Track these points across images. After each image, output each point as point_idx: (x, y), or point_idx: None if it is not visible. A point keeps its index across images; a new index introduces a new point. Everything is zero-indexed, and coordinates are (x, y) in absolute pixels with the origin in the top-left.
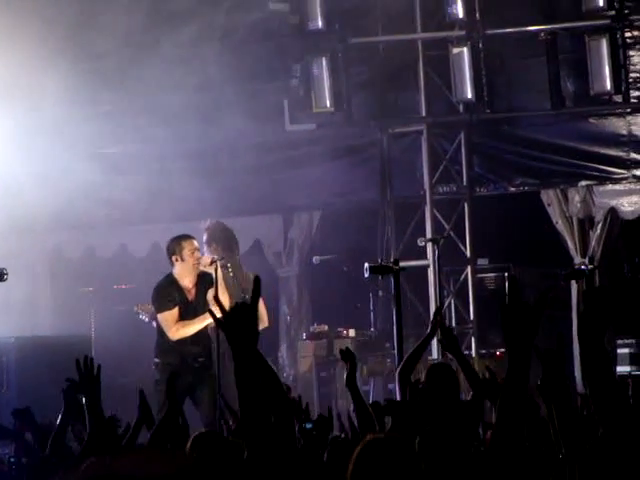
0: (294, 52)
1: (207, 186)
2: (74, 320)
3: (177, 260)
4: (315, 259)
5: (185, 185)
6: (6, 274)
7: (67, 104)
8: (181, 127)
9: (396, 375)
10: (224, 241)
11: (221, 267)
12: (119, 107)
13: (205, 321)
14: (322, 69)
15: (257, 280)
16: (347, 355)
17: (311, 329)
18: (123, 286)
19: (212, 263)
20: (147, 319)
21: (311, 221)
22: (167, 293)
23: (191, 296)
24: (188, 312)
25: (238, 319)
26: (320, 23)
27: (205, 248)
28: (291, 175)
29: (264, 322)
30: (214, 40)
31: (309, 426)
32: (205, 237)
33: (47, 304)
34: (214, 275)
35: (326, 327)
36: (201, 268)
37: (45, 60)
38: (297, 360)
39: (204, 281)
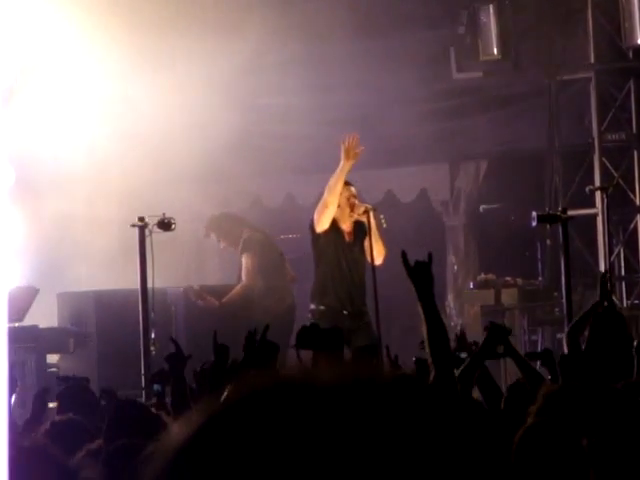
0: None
1: (373, 136)
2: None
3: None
4: (482, 208)
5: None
6: (174, 223)
7: (227, 55)
8: (346, 76)
9: (564, 337)
10: (221, 229)
11: (374, 217)
12: (282, 58)
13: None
14: (489, 16)
15: (403, 255)
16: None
17: (478, 278)
18: (290, 235)
19: (365, 212)
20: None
21: (478, 170)
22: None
23: (349, 239)
24: (345, 254)
25: (421, 271)
26: None
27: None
28: (458, 123)
29: (381, 255)
30: None
31: (463, 355)
32: (213, 237)
33: (214, 253)
34: (367, 224)
35: (494, 276)
36: (355, 216)
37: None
38: (464, 309)
39: (362, 229)
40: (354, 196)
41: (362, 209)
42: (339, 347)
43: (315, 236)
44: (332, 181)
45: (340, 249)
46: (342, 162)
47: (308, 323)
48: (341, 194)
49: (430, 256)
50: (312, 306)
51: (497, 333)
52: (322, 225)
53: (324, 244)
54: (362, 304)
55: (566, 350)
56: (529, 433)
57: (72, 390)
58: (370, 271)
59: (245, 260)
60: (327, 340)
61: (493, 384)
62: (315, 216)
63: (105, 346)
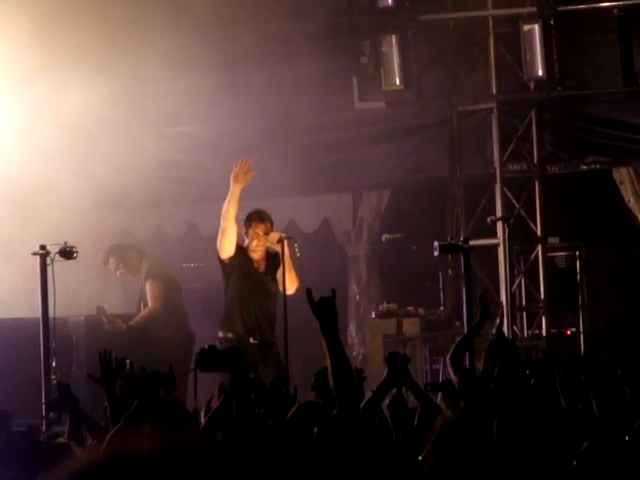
0: (364, 30)
1: (277, 165)
2: None
3: (245, 235)
4: (384, 238)
5: (253, 163)
6: (76, 252)
7: (145, 82)
8: (251, 106)
9: (447, 360)
10: (121, 256)
11: (288, 245)
12: (196, 86)
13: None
14: (392, 47)
15: (308, 291)
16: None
17: (380, 308)
18: (192, 264)
19: (279, 241)
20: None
21: (380, 200)
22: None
23: (259, 268)
24: (254, 283)
25: (325, 307)
26: (390, 0)
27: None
28: (360, 153)
29: (294, 284)
30: (283, 18)
31: None
32: (111, 265)
33: (117, 282)
34: (281, 252)
35: (395, 306)
36: (268, 244)
37: (136, 37)
38: (366, 339)
39: (275, 259)
40: (261, 235)
41: (276, 238)
42: (239, 367)
43: (222, 263)
44: (224, 206)
45: (248, 278)
46: (231, 186)
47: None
48: (250, 228)
49: (334, 292)
50: (220, 334)
51: (397, 362)
52: (225, 251)
53: (231, 272)
54: (271, 334)
55: (452, 375)
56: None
57: None
58: (282, 300)
59: (151, 286)
60: (226, 361)
61: (407, 411)
62: (217, 243)
63: (6, 374)
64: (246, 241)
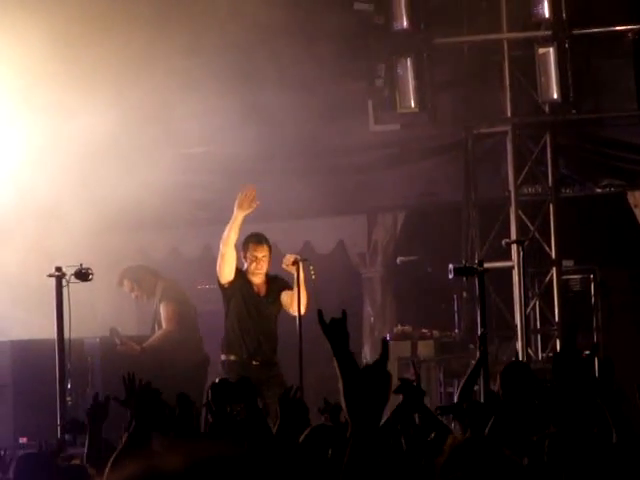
0: (379, 52)
1: (291, 187)
2: None
3: (244, 258)
4: (399, 260)
5: (269, 186)
6: (91, 273)
7: (163, 103)
8: (266, 128)
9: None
10: (136, 278)
11: (303, 267)
12: (212, 108)
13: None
14: (407, 69)
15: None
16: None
17: (395, 330)
18: (207, 286)
19: (294, 263)
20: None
21: (395, 222)
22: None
23: (260, 291)
24: (255, 305)
25: (337, 329)
26: (405, 23)
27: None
28: (375, 176)
29: (303, 306)
30: (299, 42)
31: None
32: (126, 287)
33: (132, 304)
34: (296, 275)
35: (410, 328)
36: (283, 267)
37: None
38: None
39: (277, 282)
40: (261, 257)
41: (291, 260)
42: (252, 397)
43: (222, 288)
44: (225, 232)
45: (249, 301)
46: (235, 212)
47: (217, 377)
48: (248, 250)
49: (344, 313)
50: (222, 357)
51: (409, 391)
52: (224, 276)
53: (231, 296)
54: (272, 355)
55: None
56: None
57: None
58: (293, 321)
59: (165, 308)
60: (239, 392)
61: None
62: (217, 268)
63: (21, 396)
64: (245, 265)
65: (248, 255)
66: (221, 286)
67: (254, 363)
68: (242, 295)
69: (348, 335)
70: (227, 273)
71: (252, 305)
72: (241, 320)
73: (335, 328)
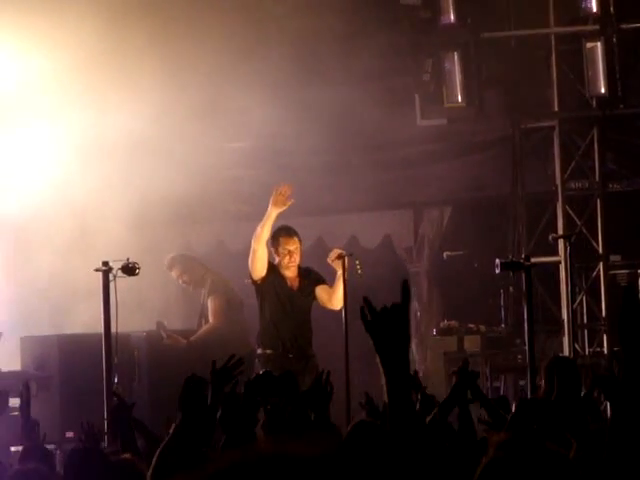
0: (426, 47)
1: (338, 182)
2: None
3: (275, 253)
4: (446, 255)
5: (316, 180)
6: (138, 268)
7: (205, 96)
8: (313, 123)
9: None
10: (186, 265)
11: (348, 262)
12: (254, 101)
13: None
14: (454, 64)
15: (405, 283)
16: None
17: (441, 325)
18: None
19: (339, 257)
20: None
21: (442, 216)
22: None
23: (293, 285)
24: (290, 299)
25: (389, 322)
26: (452, 17)
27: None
28: (422, 170)
29: (340, 302)
30: (347, 36)
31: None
32: (174, 274)
33: (178, 297)
34: (340, 270)
35: (456, 323)
36: (328, 261)
37: (198, 50)
38: (427, 356)
39: (310, 276)
40: (292, 250)
41: (336, 254)
42: (293, 390)
43: (255, 284)
44: (258, 228)
45: (282, 295)
46: (269, 209)
47: (256, 369)
48: (280, 245)
49: (388, 307)
50: (259, 351)
51: (466, 377)
52: (256, 272)
53: (265, 291)
54: (308, 348)
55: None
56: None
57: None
58: (336, 314)
59: (213, 302)
60: (281, 386)
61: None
62: (249, 265)
63: (68, 390)
64: (276, 259)
65: (280, 249)
66: (254, 282)
67: (290, 356)
68: (275, 290)
69: (396, 329)
70: (259, 269)
71: (286, 299)
72: (276, 314)
73: (378, 323)
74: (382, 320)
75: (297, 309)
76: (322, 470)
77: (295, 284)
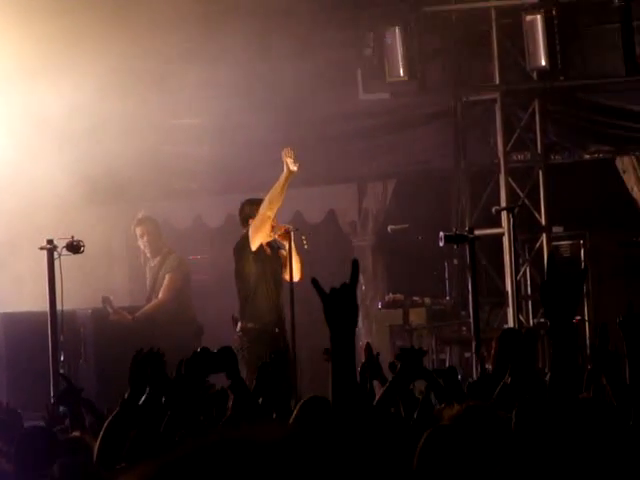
0: (367, 21)
1: (279, 156)
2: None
3: (251, 219)
4: (390, 228)
5: (258, 156)
6: (83, 246)
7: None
8: (252, 98)
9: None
10: (152, 231)
11: (294, 237)
12: (200, 78)
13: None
14: (395, 38)
15: (355, 263)
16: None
17: (386, 298)
18: (198, 256)
19: (286, 233)
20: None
21: (385, 190)
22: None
23: (271, 255)
24: (273, 272)
25: (339, 300)
26: None
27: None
28: (365, 144)
29: (298, 275)
30: (287, 11)
31: None
32: (139, 230)
33: (124, 275)
34: (287, 244)
35: (401, 296)
36: (275, 237)
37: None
38: (372, 329)
39: (275, 247)
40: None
41: (282, 229)
42: (233, 366)
43: (249, 253)
44: (274, 193)
45: (269, 267)
46: (285, 172)
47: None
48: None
49: (337, 288)
50: (250, 324)
51: (411, 357)
52: (259, 239)
53: (259, 262)
54: (284, 322)
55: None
56: (431, 439)
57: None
58: (286, 290)
59: (170, 278)
60: (220, 361)
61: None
62: (251, 233)
63: (14, 368)
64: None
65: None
66: (249, 251)
67: (276, 331)
68: (263, 263)
69: (349, 308)
70: (262, 237)
71: (271, 273)
72: (268, 288)
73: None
74: (332, 300)
75: (279, 281)
76: (274, 453)
77: (272, 255)
